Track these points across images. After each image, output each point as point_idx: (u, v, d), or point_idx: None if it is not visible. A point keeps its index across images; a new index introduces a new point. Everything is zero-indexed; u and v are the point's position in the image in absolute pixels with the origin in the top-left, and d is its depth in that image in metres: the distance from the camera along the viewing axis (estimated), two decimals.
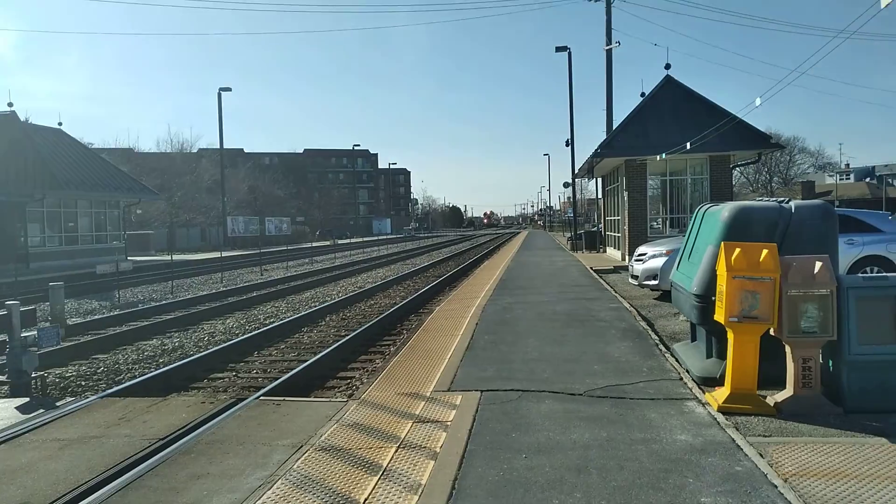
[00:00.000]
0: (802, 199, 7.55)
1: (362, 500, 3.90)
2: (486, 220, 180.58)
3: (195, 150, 71.92)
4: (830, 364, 5.49)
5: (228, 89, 50.31)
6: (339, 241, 55.56)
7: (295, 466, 4.49)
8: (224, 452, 4.85)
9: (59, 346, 9.24)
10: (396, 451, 4.72)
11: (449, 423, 5.27)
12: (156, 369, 9.02)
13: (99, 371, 9.26)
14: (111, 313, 15.08)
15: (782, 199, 6.43)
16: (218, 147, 53.98)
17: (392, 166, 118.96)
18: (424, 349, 8.37)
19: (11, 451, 5.15)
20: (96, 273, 20.80)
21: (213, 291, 19.48)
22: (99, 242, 35.08)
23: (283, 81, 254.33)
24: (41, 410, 6.28)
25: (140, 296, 19.58)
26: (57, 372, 9.15)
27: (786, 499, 3.70)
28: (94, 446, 5.22)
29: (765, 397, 5.47)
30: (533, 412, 5.48)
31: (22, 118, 33.35)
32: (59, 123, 37.28)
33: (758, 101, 15.66)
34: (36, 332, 7.40)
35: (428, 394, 6.19)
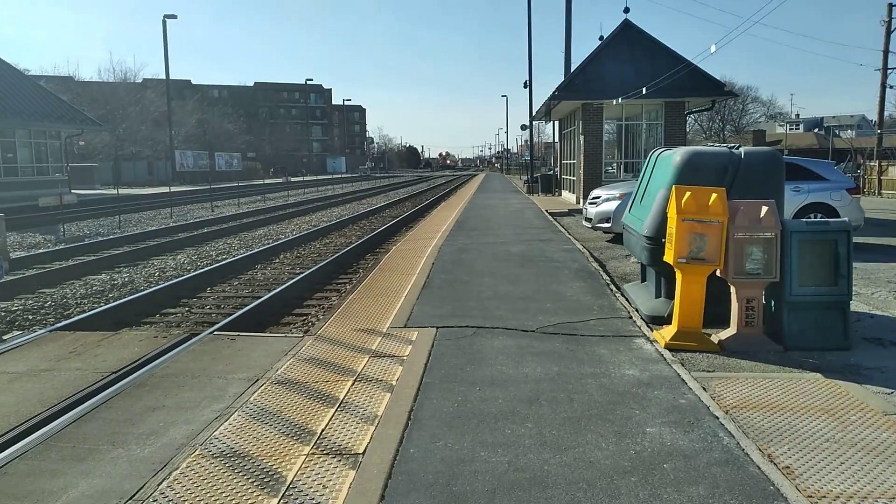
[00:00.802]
0: (753, 146, 7.71)
1: (319, 431, 3.97)
2: (440, 162, 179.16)
3: (139, 81, 69.03)
4: (773, 304, 5.74)
5: (174, 16, 48.18)
6: (293, 179, 54.68)
7: (251, 399, 4.52)
8: (179, 386, 4.85)
9: (2, 280, 8.96)
10: (353, 384, 4.79)
11: (405, 358, 5.36)
12: (106, 304, 8.86)
13: (46, 305, 9.05)
14: (56, 247, 14.66)
15: (733, 145, 6.57)
16: (164, 77, 51.92)
17: (347, 103, 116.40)
18: (381, 287, 8.41)
19: None
20: (39, 206, 20.11)
21: (163, 227, 19.06)
22: (40, 174, 33.75)
23: (234, 9, 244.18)
24: None
25: (86, 230, 19.04)
26: (2, 306, 8.91)
27: (726, 429, 3.91)
28: (45, 379, 5.15)
29: (710, 335, 5.70)
30: (487, 347, 5.60)
31: None
32: None
33: (713, 49, 15.79)
34: None
35: (384, 330, 6.26)
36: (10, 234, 16.20)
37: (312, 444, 3.80)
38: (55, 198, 19.74)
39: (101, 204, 27.31)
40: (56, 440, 3.92)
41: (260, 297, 8.92)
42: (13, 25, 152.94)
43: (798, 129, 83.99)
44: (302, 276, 10.40)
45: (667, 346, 5.54)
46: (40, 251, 14.02)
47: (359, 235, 17.00)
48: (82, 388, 4.97)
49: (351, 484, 3.33)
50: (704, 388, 4.61)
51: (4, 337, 6.44)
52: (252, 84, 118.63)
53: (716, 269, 5.57)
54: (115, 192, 30.59)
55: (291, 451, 3.70)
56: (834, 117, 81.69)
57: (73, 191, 32.47)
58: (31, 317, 8.46)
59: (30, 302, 9.25)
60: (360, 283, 8.87)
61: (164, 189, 36.71)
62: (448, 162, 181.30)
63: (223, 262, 11.95)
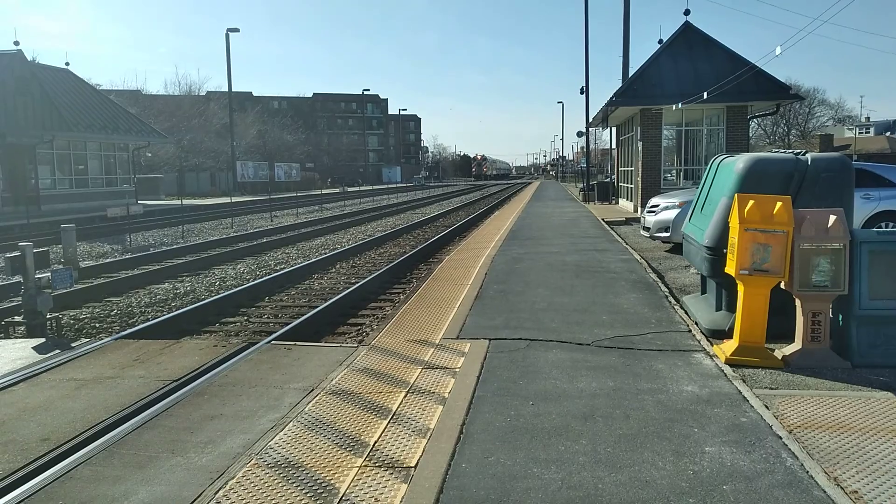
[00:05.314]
0: (820, 152, 7.42)
1: (372, 443, 3.98)
2: (474, 167, 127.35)
3: (203, 93, 71.42)
4: (840, 318, 5.49)
5: (236, 30, 49.57)
6: (349, 189, 55.49)
7: (306, 409, 4.57)
8: (237, 395, 4.94)
9: (72, 289, 9.36)
10: (406, 395, 4.79)
11: (457, 370, 5.34)
12: (168, 313, 9.14)
13: (112, 314, 9.39)
14: (123, 257, 15.23)
15: (798, 151, 6.34)
16: (226, 90, 53.47)
17: (402, 112, 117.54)
18: (434, 297, 8.42)
19: (30, 390, 5.27)
20: (107, 216, 20.94)
21: (224, 237, 19.58)
22: (109, 186, 35.21)
23: (292, 24, 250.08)
24: (57, 351, 6.40)
25: (151, 240, 19.72)
26: (71, 314, 9.28)
27: (790, 450, 3.75)
28: (110, 386, 5.33)
29: (773, 350, 5.50)
30: (541, 361, 5.53)
31: (28, 58, 33.02)
32: (67, 63, 37.11)
33: (778, 50, 15.30)
34: (49, 274, 7.48)
35: (437, 341, 6.25)
36: (80, 244, 16.90)
37: (365, 455, 3.81)
38: (122, 208, 20.51)
39: (165, 214, 28.26)
40: (119, 447, 4.04)
41: (316, 307, 9.05)
42: (85, 42, 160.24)
43: (868, 132, 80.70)
44: (357, 285, 10.51)
45: (727, 362, 5.37)
46: (108, 260, 14.58)
47: (413, 245, 17.09)
48: (144, 395, 5.12)
49: (403, 498, 3.32)
50: (767, 406, 4.44)
51: (73, 344, 6.69)
52: (311, 95, 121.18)
53: (780, 282, 5.37)
54: (178, 202, 31.60)
55: (344, 463, 3.72)
56: None
57: (139, 201, 33.72)
58: (97, 325, 8.79)
59: (97, 310, 9.62)
60: (414, 293, 8.90)
61: (226, 199, 37.75)
62: (484, 169, 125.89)
63: (281, 272, 12.19)
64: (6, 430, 4.45)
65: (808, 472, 3.49)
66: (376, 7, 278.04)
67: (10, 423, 4.58)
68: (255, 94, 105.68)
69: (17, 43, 32.37)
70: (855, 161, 10.34)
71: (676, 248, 12.20)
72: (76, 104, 33.08)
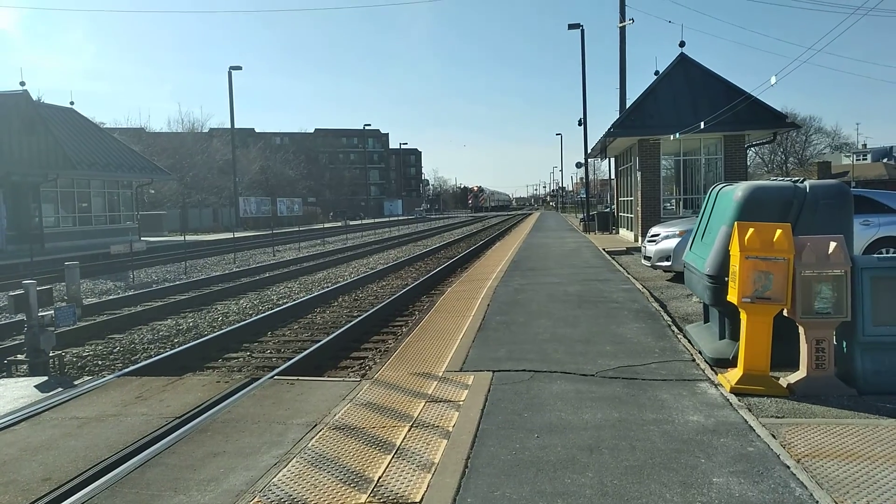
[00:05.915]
0: (818, 179, 7.51)
1: (376, 478, 3.95)
2: (471, 199, 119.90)
3: (206, 130, 71.91)
4: (844, 345, 5.48)
5: (239, 68, 50.28)
6: (351, 223, 55.62)
7: (310, 445, 4.54)
8: (240, 431, 4.92)
9: (75, 326, 9.33)
10: (409, 430, 4.76)
11: (461, 403, 5.31)
12: (171, 349, 9.12)
13: (115, 351, 9.37)
14: (126, 293, 15.23)
15: (797, 178, 6.39)
16: (229, 127, 54.03)
17: (403, 146, 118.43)
18: (436, 329, 8.41)
19: (32, 429, 5.24)
20: (110, 253, 20.99)
21: (227, 272, 19.60)
22: (112, 223, 35.35)
23: (293, 60, 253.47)
24: (59, 389, 6.37)
25: (154, 276, 19.74)
26: (74, 351, 9.27)
27: (798, 479, 3.71)
28: (113, 424, 5.30)
29: (778, 378, 5.47)
30: (545, 392, 5.50)
31: (34, 97, 33.44)
32: (71, 102, 37.59)
33: (773, 80, 15.47)
34: (53, 312, 7.48)
35: (440, 374, 6.23)
36: (84, 281, 16.92)
37: (370, 491, 3.78)
38: (125, 245, 20.57)
39: (168, 250, 28.33)
40: (121, 486, 4.01)
41: (319, 341, 9.03)
42: (89, 80, 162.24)
43: (865, 159, 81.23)
44: (359, 319, 10.50)
45: (732, 391, 5.34)
46: (111, 297, 14.58)
47: (415, 277, 17.10)
48: (147, 433, 5.09)
49: None
50: (774, 436, 4.40)
51: (76, 382, 6.67)
52: (312, 130, 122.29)
53: (782, 309, 5.37)
54: (182, 238, 31.68)
55: (348, 499, 3.69)
56: None
57: (142, 238, 33.84)
58: (100, 362, 8.77)
59: (100, 347, 9.60)
60: (416, 325, 8.89)
61: (229, 235, 37.86)
62: (481, 201, 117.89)
63: (283, 307, 12.18)
64: (7, 471, 4.42)
65: (817, 502, 3.45)
66: (376, 42, 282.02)
67: (12, 463, 4.55)
68: (257, 130, 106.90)
69: (23, 83, 32.74)
70: (853, 188, 10.38)
71: (678, 277, 12.19)
72: (80, 142, 33.40)
